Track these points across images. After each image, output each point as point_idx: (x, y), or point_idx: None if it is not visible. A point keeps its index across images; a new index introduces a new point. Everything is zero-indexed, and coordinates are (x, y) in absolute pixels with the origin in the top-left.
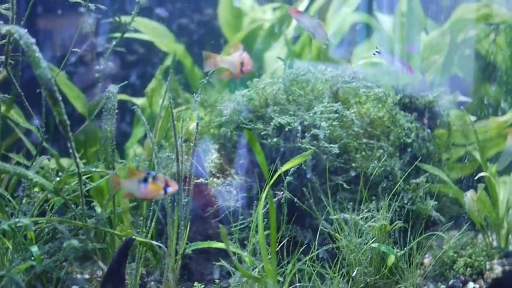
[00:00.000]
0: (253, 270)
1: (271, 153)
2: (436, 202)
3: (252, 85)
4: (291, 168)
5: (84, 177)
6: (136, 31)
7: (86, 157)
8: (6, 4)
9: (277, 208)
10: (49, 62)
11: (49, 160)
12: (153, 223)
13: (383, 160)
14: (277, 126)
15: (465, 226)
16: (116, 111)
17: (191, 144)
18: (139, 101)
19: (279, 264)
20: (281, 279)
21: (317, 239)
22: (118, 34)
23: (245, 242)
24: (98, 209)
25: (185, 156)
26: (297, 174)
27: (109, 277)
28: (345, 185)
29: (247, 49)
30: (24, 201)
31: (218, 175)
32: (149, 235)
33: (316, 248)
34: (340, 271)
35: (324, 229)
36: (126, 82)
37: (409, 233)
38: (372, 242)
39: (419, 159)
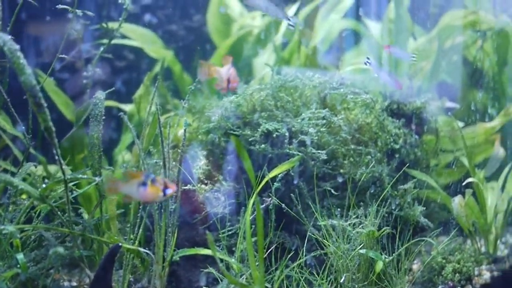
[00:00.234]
0: (240, 277)
1: (258, 159)
2: (424, 208)
3: (240, 91)
4: (279, 174)
5: (71, 184)
6: (124, 37)
7: (74, 164)
8: None
9: (264, 215)
10: (37, 68)
11: (36, 167)
12: (140, 230)
13: (371, 166)
14: (264, 132)
15: (453, 231)
16: (104, 117)
17: (179, 150)
18: (128, 107)
19: (267, 271)
20: (269, 285)
21: (305, 245)
22: (106, 41)
23: (233, 248)
24: (86, 216)
25: (173, 163)
26: (285, 180)
27: (95, 284)
28: (333, 191)
29: (236, 55)
30: (10, 208)
31: (206, 182)
32: (137, 242)
33: (304, 254)
34: (328, 278)
35: (312, 235)
36: (113, 88)
37: (397, 239)
38: (360, 248)
39: (407, 165)
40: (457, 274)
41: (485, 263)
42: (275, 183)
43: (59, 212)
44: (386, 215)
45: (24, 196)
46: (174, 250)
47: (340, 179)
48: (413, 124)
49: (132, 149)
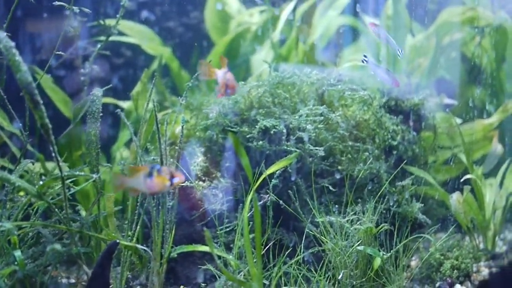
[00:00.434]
0: (238, 274)
1: (256, 156)
2: (422, 205)
3: (237, 88)
4: (276, 171)
5: (68, 181)
6: (122, 34)
7: (71, 161)
8: None
9: (262, 211)
10: (34, 65)
11: (33, 164)
12: (138, 227)
13: (368, 162)
14: (262, 129)
15: (451, 228)
16: (101, 114)
17: (177, 147)
18: (125, 104)
19: (264, 268)
20: (266, 282)
21: (302, 242)
22: (103, 37)
23: (231, 245)
24: (83, 213)
25: (171, 159)
26: (282, 177)
27: (93, 281)
28: (330, 188)
29: (233, 52)
30: (7, 205)
31: (204, 178)
32: (135, 239)
33: (302, 251)
34: (326, 274)
35: (310, 232)
36: (110, 85)
37: (395, 235)
38: (358, 245)
39: (405, 161)
40: (455, 271)
41: (483, 260)
42: (273, 180)
43: (56, 209)
44: (384, 211)
45: (21, 193)
46: (172, 247)
47: (338, 176)
48: (411, 121)
49: (130, 146)
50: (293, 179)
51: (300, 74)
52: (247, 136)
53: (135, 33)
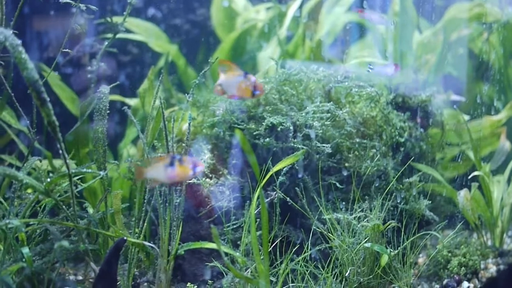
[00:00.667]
0: (245, 271)
1: (263, 153)
2: (430, 202)
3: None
4: (283, 168)
5: (76, 178)
6: (128, 31)
7: (79, 158)
8: None
9: (269, 208)
10: (42, 63)
11: (40, 161)
12: (145, 224)
13: (376, 159)
14: (269, 126)
15: (459, 225)
16: (108, 111)
17: (184, 144)
18: (132, 101)
19: (271, 265)
20: (273, 279)
21: (310, 239)
22: (110, 35)
23: (238, 242)
24: (91, 210)
25: None
26: (289, 174)
27: (100, 278)
28: (337, 185)
29: (240, 49)
30: (15, 202)
31: (211, 176)
32: (142, 236)
33: (309, 248)
34: (333, 271)
35: (317, 229)
36: (118, 82)
37: (402, 232)
38: (365, 242)
39: (412, 158)
40: (463, 268)
41: (491, 257)
42: (279, 177)
43: (64, 206)
44: (392, 208)
45: (29, 190)
46: (179, 244)
47: (345, 173)
48: (418, 118)
49: (137, 143)
50: (300, 176)
51: (307, 71)
52: (254, 133)
53: (141, 31)
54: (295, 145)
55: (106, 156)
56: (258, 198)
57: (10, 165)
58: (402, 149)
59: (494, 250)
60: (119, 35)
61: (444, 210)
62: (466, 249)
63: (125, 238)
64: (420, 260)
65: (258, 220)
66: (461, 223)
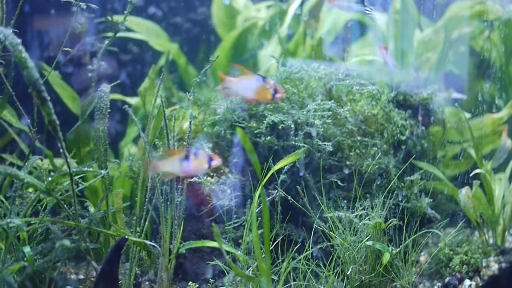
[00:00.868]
0: (247, 269)
1: (264, 152)
2: (431, 200)
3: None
4: (284, 166)
5: (77, 177)
6: (129, 30)
7: (80, 157)
8: None
9: (271, 207)
10: (42, 62)
11: (41, 160)
12: (146, 223)
13: (377, 157)
14: (270, 124)
15: (460, 223)
16: (109, 110)
17: (185, 143)
18: (133, 100)
19: (273, 263)
20: (275, 277)
21: (311, 237)
22: (110, 34)
23: (240, 241)
24: (92, 209)
25: None
26: (290, 172)
27: (102, 277)
28: (339, 183)
29: (241, 47)
30: (16, 201)
31: (212, 174)
32: (143, 235)
33: (310, 246)
34: (335, 270)
35: (319, 227)
36: (118, 81)
37: (404, 230)
38: (367, 240)
39: (414, 156)
40: (464, 266)
41: (493, 255)
42: (281, 175)
43: (65, 205)
44: (393, 206)
45: (30, 190)
46: (181, 243)
47: (346, 171)
48: (419, 115)
49: (137, 142)
50: (301, 174)
51: (308, 69)
52: (255, 131)
53: (142, 29)
54: (296, 144)
55: (107, 155)
56: (259, 196)
57: (11, 164)
58: (403, 147)
59: (496, 248)
60: (119, 34)
61: (445, 208)
62: (467, 247)
63: (126, 237)
64: (422, 258)
65: (259, 218)
66: (463, 221)
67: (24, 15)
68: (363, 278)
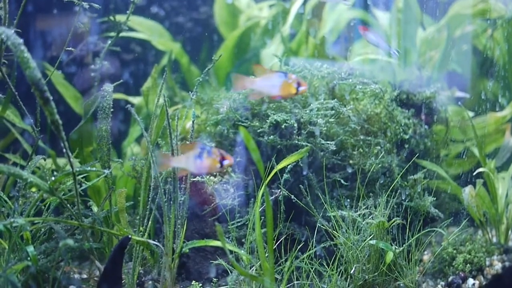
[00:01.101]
0: (250, 268)
1: (267, 151)
2: (435, 198)
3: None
4: (287, 165)
5: (80, 177)
6: (131, 30)
7: (83, 157)
8: None
9: (274, 206)
10: (45, 62)
11: (45, 160)
12: (150, 222)
13: (380, 156)
14: (273, 123)
15: (464, 222)
16: (112, 110)
17: (188, 142)
18: (136, 99)
19: (276, 262)
20: (278, 277)
21: (314, 236)
22: (113, 33)
23: (243, 240)
24: (95, 209)
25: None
26: (294, 171)
27: (105, 277)
28: (342, 182)
29: (243, 46)
30: (20, 201)
31: (215, 173)
32: (146, 234)
33: (313, 245)
34: (338, 269)
35: (322, 226)
36: (121, 81)
37: (407, 229)
38: (370, 239)
39: (417, 155)
40: (468, 265)
41: (496, 254)
42: (284, 175)
43: (68, 205)
44: (396, 205)
45: (33, 189)
46: (184, 242)
47: (349, 170)
48: (422, 114)
49: (140, 142)
50: (304, 173)
51: (311, 68)
52: (258, 130)
53: (145, 29)
54: (299, 143)
55: (110, 154)
56: (262, 195)
57: (15, 164)
58: (406, 146)
59: (499, 247)
60: (122, 34)
61: (449, 207)
62: (471, 246)
63: (129, 236)
64: (425, 257)
65: (262, 217)
66: (466, 220)
67: (27, 14)
68: (367, 277)
